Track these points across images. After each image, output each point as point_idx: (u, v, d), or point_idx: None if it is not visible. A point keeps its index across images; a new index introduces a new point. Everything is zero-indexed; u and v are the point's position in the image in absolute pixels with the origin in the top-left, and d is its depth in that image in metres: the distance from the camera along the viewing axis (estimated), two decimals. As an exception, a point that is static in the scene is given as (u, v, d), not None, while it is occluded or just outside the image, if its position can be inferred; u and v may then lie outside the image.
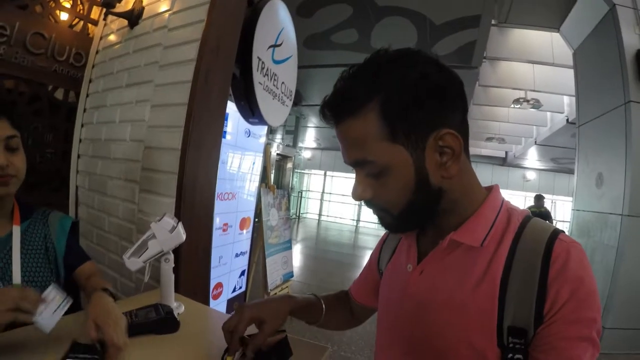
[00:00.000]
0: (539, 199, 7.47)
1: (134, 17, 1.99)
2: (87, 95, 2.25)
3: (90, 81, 2.26)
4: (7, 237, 1.05)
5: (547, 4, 4.87)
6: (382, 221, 0.67)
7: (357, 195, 0.64)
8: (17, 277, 1.01)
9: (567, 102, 7.84)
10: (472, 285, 0.60)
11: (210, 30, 1.61)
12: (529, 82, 6.82)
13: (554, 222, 11.43)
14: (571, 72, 5.19)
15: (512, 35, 6.14)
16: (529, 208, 7.12)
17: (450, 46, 5.39)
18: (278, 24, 2.37)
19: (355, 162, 0.62)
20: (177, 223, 1.22)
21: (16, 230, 1.07)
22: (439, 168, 0.60)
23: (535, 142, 10.73)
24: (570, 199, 5.25)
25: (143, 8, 2.00)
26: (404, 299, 0.70)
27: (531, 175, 14.68)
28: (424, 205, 0.62)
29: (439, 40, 5.32)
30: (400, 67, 0.58)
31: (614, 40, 4.04)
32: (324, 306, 0.91)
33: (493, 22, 5.27)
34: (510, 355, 0.55)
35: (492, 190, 0.68)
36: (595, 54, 4.56)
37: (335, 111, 0.62)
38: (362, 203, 0.66)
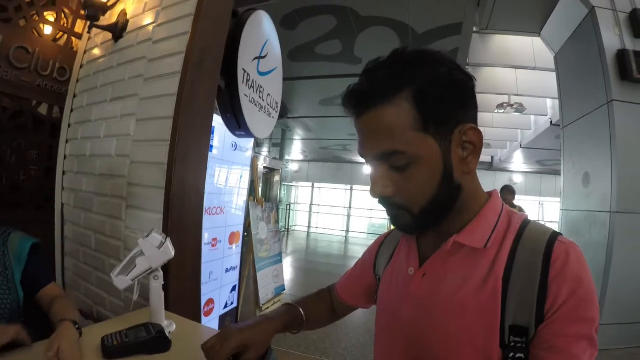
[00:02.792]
0: (509, 192, 5.17)
1: (118, 30, 1.97)
2: (72, 110, 2.22)
3: (74, 96, 2.23)
4: None
5: (527, 10, 4.97)
6: (399, 220, 0.65)
7: (377, 191, 0.62)
8: None
9: (550, 105, 7.99)
10: (475, 286, 0.60)
11: (194, 42, 1.60)
12: (511, 87, 6.95)
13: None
14: (553, 75, 5.29)
15: (493, 41, 6.26)
16: None
17: (433, 54, 5.49)
18: (263, 36, 2.37)
19: (383, 154, 0.60)
20: (166, 239, 1.20)
21: None
22: (460, 163, 0.61)
23: (521, 145, 10.90)
24: (557, 199, 5.31)
25: (127, 21, 1.98)
26: (405, 302, 0.69)
27: (518, 179, 14.83)
28: (445, 201, 0.62)
29: (421, 48, 5.40)
30: (429, 61, 0.59)
31: (594, 41, 4.13)
32: (304, 317, 0.90)
33: (475, 29, 5.38)
34: (512, 354, 0.55)
35: (492, 195, 0.69)
36: (576, 56, 4.66)
37: (365, 98, 0.60)
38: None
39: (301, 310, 0.90)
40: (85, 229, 1.97)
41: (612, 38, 4.06)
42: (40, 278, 1.23)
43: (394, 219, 0.66)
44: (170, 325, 1.20)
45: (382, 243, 0.91)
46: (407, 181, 0.60)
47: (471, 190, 0.65)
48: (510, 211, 0.67)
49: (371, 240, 0.95)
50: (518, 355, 0.55)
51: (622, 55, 3.94)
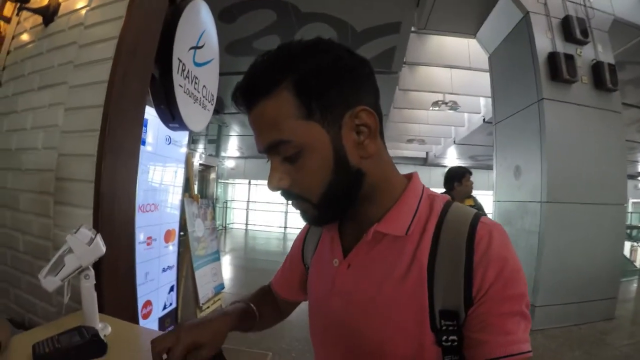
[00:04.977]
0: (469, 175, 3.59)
1: (49, 14, 1.84)
2: (-4, 101, 2.03)
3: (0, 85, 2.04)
4: None
5: (465, 12, 5.22)
6: (305, 215, 0.65)
7: (273, 184, 0.61)
8: None
9: (483, 103, 8.47)
10: (401, 274, 0.59)
11: (128, 28, 1.52)
12: (446, 86, 7.26)
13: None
14: (486, 74, 5.61)
15: (430, 41, 6.52)
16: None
17: (371, 52, 5.52)
18: (200, 25, 2.28)
19: (270, 145, 0.59)
20: (96, 235, 1.12)
21: None
22: (356, 147, 0.59)
23: (454, 141, 11.47)
24: (489, 192, 5.62)
25: (59, 4, 1.85)
26: (332, 295, 0.68)
27: (452, 173, 15.51)
28: (344, 188, 0.60)
29: (360, 46, 5.46)
30: (314, 50, 0.58)
31: (527, 44, 4.43)
32: (257, 313, 0.86)
33: (412, 28, 5.54)
34: (444, 337, 0.55)
35: (412, 178, 0.68)
36: (509, 57, 4.97)
37: (248, 94, 0.59)
38: (286, 202, 0.63)
39: (253, 307, 0.86)
40: (12, 230, 1.80)
41: (545, 41, 4.38)
42: None
43: (301, 214, 0.65)
44: (105, 328, 1.13)
45: (307, 232, 0.89)
46: (299, 171, 0.59)
47: (380, 175, 0.63)
48: (431, 194, 0.67)
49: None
50: (451, 337, 0.55)
51: (553, 57, 4.26)
